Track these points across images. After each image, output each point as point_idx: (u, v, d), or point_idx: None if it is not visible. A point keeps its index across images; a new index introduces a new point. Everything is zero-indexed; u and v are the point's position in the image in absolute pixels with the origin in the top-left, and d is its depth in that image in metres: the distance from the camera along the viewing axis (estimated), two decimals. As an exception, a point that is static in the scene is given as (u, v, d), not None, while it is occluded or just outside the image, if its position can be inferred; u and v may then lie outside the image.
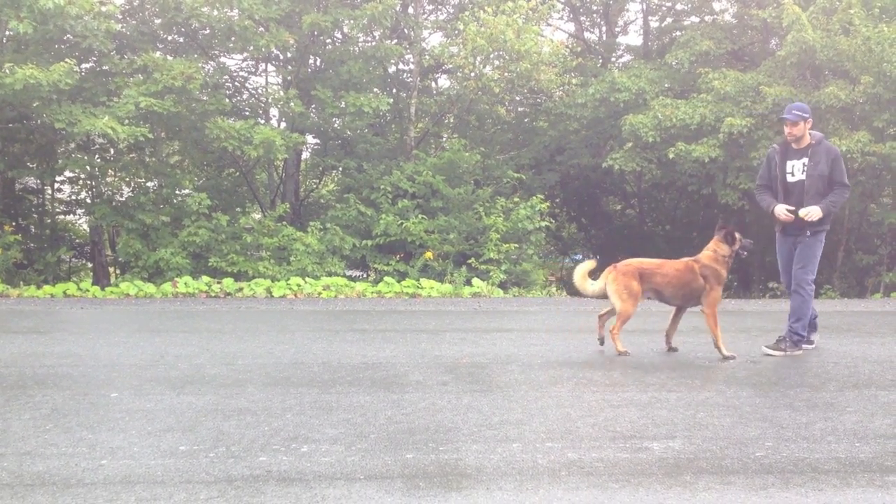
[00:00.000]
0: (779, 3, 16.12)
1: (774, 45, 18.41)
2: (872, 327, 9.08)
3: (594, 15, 23.50)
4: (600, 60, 21.90)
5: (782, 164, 7.33)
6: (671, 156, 16.09)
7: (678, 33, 20.36)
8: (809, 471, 3.81)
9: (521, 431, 4.39)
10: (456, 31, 16.91)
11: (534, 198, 16.36)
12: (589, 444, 4.17)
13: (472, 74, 16.67)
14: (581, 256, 25.70)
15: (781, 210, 7.24)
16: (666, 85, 18.19)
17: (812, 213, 7.05)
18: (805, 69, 16.15)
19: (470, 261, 15.27)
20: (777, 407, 5.04)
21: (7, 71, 12.44)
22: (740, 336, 8.25)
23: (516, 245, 15.70)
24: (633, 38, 28.26)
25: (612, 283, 6.87)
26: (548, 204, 17.04)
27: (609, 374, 6.11)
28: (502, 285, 14.93)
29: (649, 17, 22.54)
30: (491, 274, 14.81)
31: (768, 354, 7.11)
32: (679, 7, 21.31)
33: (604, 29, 23.70)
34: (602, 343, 7.16)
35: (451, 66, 17.40)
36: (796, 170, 7.24)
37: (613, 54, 22.80)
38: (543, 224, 16.29)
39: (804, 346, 7.32)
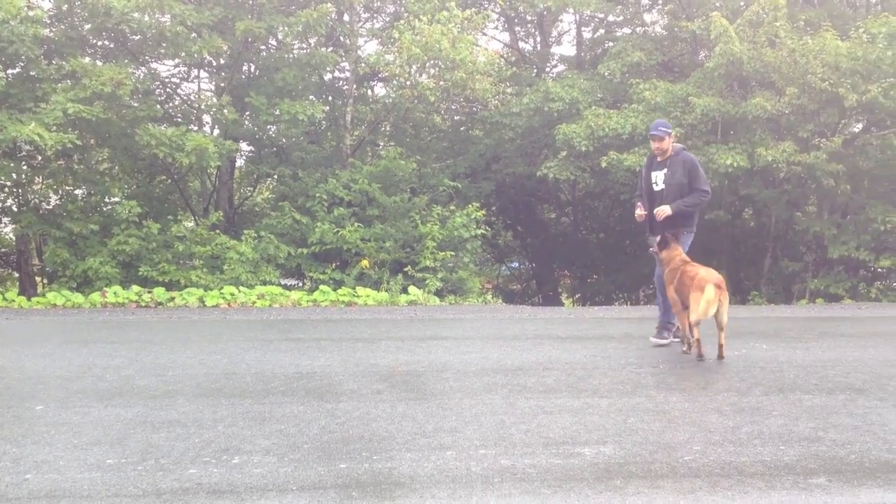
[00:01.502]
0: (707, 16, 16.48)
1: (703, 56, 18.79)
2: (798, 332, 9.33)
3: (528, 25, 23.71)
4: (535, 70, 22.11)
5: (647, 175, 8.18)
6: (604, 164, 16.30)
7: (610, 44, 20.63)
8: (736, 474, 3.91)
9: (455, 439, 4.41)
10: (391, 40, 16.90)
11: (469, 206, 16.43)
12: (522, 450, 4.21)
13: (408, 83, 16.68)
14: (517, 264, 25.93)
15: (637, 211, 8.17)
16: (598, 95, 18.42)
17: (663, 210, 7.77)
18: (732, 80, 16.54)
19: (406, 269, 15.27)
20: (705, 411, 5.15)
21: (-72, 75, 12.08)
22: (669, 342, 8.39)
23: (452, 253, 15.74)
24: (567, 48, 28.70)
25: (725, 301, 7.04)
26: (484, 212, 17.14)
27: (542, 380, 6.17)
28: (438, 293, 14.95)
29: (582, 28, 22.84)
30: (427, 282, 14.82)
31: (658, 346, 7.89)
32: (611, 19, 21.58)
33: (538, 39, 23.93)
34: (702, 359, 7.13)
35: (386, 74, 17.38)
36: (659, 180, 8.03)
37: (548, 64, 23.03)
38: (479, 232, 16.37)
39: (661, 342, 8.00)
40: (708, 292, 6.82)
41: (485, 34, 21.61)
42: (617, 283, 22.06)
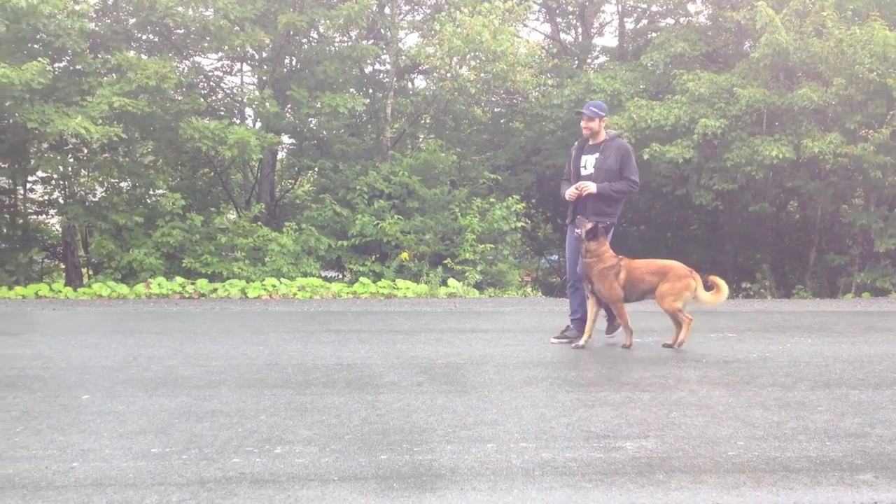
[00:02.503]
0: (752, 6, 16.24)
1: (748, 46, 18.55)
2: (843, 327, 9.18)
3: (570, 16, 23.56)
4: (576, 62, 21.96)
5: (577, 158, 7.78)
6: (646, 157, 16.16)
7: (653, 35, 20.45)
8: (781, 469, 3.84)
9: (495, 432, 4.40)
10: (432, 32, 16.90)
11: (509, 198, 16.39)
12: (563, 443, 4.19)
13: (449, 75, 16.67)
14: (557, 257, 25.80)
15: (568, 190, 7.63)
16: (641, 86, 18.27)
17: (587, 186, 7.44)
18: (778, 71, 16.29)
19: (446, 261, 15.28)
20: (749, 406, 5.08)
21: (-22, 70, 12.31)
22: (712, 336, 8.30)
23: (492, 245, 15.72)
24: (609, 39, 28.44)
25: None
26: (523, 204, 17.08)
27: (583, 373, 6.14)
28: (478, 286, 14.95)
29: (625, 19, 22.65)
30: (466, 274, 14.82)
31: (554, 343, 7.67)
32: (654, 9, 21.40)
33: (580, 30, 23.77)
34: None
35: (427, 66, 17.39)
36: (588, 164, 7.66)
37: (589, 56, 22.88)
38: (519, 224, 16.32)
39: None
40: (692, 283, 7.15)
41: (526, 25, 21.58)
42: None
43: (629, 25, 22.70)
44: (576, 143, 7.90)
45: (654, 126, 16.08)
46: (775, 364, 6.62)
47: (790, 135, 15.81)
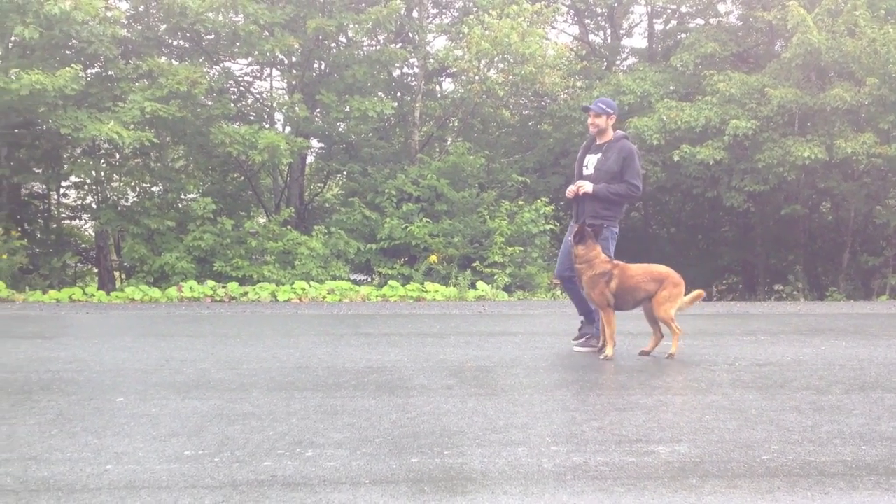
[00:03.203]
0: (784, 5, 16.09)
1: (779, 47, 18.38)
2: (878, 329, 9.05)
3: (599, 18, 23.46)
4: (605, 63, 21.88)
5: (582, 157, 7.53)
6: (676, 158, 16.08)
7: (683, 36, 20.34)
8: (816, 474, 3.80)
9: (526, 435, 4.38)
10: (460, 35, 16.93)
11: (538, 201, 16.36)
12: (594, 447, 4.16)
13: (477, 78, 16.67)
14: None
15: (568, 188, 7.47)
16: (671, 87, 18.18)
17: (583, 185, 7.23)
18: (810, 71, 16.13)
19: (474, 264, 15.26)
20: (783, 410, 5.02)
21: (13, 77, 12.48)
22: (744, 339, 8.22)
23: (521, 248, 15.69)
24: (638, 40, 28.19)
25: None
26: (552, 207, 17.04)
27: (614, 377, 6.10)
28: (507, 289, 14.91)
29: (654, 20, 22.51)
30: (495, 277, 14.79)
31: (576, 351, 7.40)
32: (684, 9, 21.27)
33: (608, 32, 23.66)
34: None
35: (455, 69, 17.40)
36: (591, 164, 7.38)
37: (618, 57, 22.78)
38: (548, 227, 16.28)
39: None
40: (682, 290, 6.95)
41: (554, 27, 21.53)
42: (688, 279, 21.58)
43: (658, 26, 22.58)
44: (584, 143, 7.71)
45: (684, 127, 15.99)
46: (809, 367, 6.54)
47: (822, 135, 15.64)
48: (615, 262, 7.02)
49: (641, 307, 7.03)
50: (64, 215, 18.22)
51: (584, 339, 7.49)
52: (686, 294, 6.99)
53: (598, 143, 7.42)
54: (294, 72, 17.21)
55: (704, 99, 16.62)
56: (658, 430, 4.53)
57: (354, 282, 15.15)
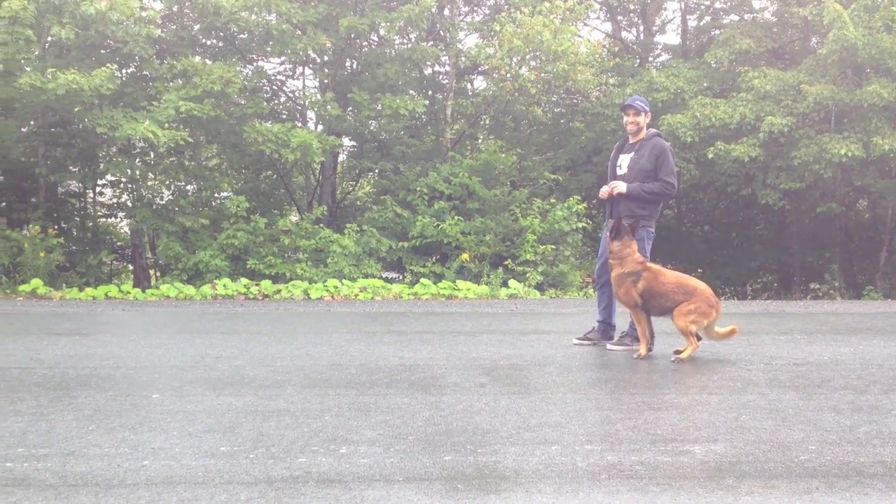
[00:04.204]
0: (819, 1, 15.89)
1: (815, 43, 18.16)
2: (918, 329, 8.91)
3: (631, 14, 23.33)
4: (638, 60, 21.75)
5: (615, 157, 7.46)
6: (710, 156, 15.94)
7: (717, 32, 20.17)
8: (854, 475, 3.74)
9: (559, 434, 4.36)
10: (492, 33, 16.91)
11: (570, 199, 16.30)
12: (629, 446, 4.13)
13: (509, 75, 16.65)
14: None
15: (601, 189, 7.42)
16: (705, 84, 18.03)
17: (617, 186, 7.17)
18: (846, 67, 15.91)
19: (506, 262, 15.24)
20: (821, 410, 4.96)
21: (50, 76, 12.64)
22: (781, 338, 8.13)
23: (553, 246, 15.64)
24: (671, 37, 28.09)
25: None
26: (585, 205, 16.96)
27: (649, 376, 6.05)
28: (539, 287, 14.88)
29: (687, 16, 22.35)
30: (527, 276, 14.76)
31: (611, 350, 7.27)
32: (718, 5, 21.10)
33: (641, 28, 23.53)
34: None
35: (487, 67, 17.39)
36: (624, 164, 7.29)
37: (651, 54, 22.64)
38: (580, 225, 16.21)
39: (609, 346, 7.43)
40: (714, 313, 6.65)
41: (586, 24, 21.42)
42: (723, 278, 21.52)
43: (692, 23, 22.40)
44: (617, 143, 7.65)
45: (718, 124, 15.85)
46: (847, 367, 6.45)
47: (859, 132, 15.43)
48: (649, 264, 6.91)
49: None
50: (100, 213, 18.46)
51: (618, 338, 7.46)
52: (710, 315, 6.65)
53: (631, 142, 7.36)
54: (326, 70, 17.29)
55: (739, 96, 16.46)
56: (693, 429, 4.49)
57: (386, 280, 15.19)
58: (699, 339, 6.70)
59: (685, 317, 6.59)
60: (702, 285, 6.80)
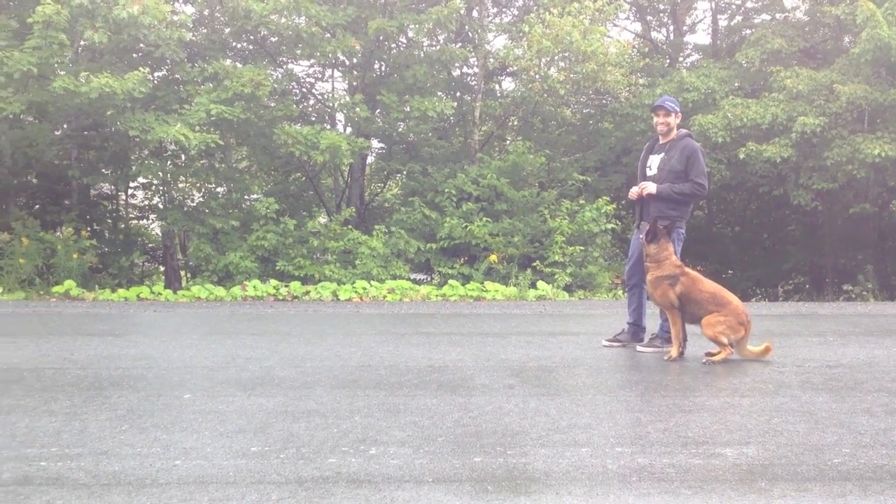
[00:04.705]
0: (852, 0, 15.70)
1: (848, 42, 17.92)
2: (954, 331, 8.77)
3: (661, 14, 23.18)
4: (667, 60, 21.60)
5: (645, 158, 7.42)
6: (741, 156, 15.80)
7: (748, 31, 20.00)
8: (889, 478, 3.70)
9: (589, 436, 4.35)
10: (521, 34, 16.88)
11: (599, 200, 16.22)
12: (660, 449, 4.11)
13: (537, 76, 16.61)
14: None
15: (631, 190, 7.40)
16: (736, 84, 17.87)
17: (647, 187, 7.14)
18: (880, 67, 15.69)
19: (535, 264, 15.19)
20: (854, 412, 4.90)
21: (83, 80, 12.80)
22: (814, 340, 8.04)
23: (582, 248, 15.56)
24: (702, 37, 27.82)
25: None
26: (614, 206, 16.86)
27: (680, 378, 6.02)
28: (567, 288, 14.81)
29: (718, 16, 22.17)
30: (556, 277, 14.70)
31: (641, 352, 7.23)
32: (749, 5, 20.93)
33: (671, 28, 23.36)
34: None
35: (515, 68, 17.36)
36: (654, 164, 7.25)
37: (681, 54, 22.47)
38: (609, 226, 16.12)
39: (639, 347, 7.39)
40: (742, 330, 6.59)
41: (616, 25, 21.32)
42: (754, 279, 21.32)
43: (723, 22, 22.21)
44: (647, 143, 7.63)
45: (749, 125, 15.70)
46: (881, 369, 6.37)
47: (893, 132, 15.23)
48: (687, 269, 6.89)
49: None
50: (132, 216, 18.67)
51: (648, 340, 7.42)
52: (738, 332, 6.60)
53: (661, 142, 7.32)
54: (355, 72, 17.34)
55: (771, 96, 16.30)
56: (725, 432, 4.46)
57: (414, 281, 15.18)
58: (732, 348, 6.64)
59: (713, 327, 6.56)
60: (736, 300, 6.75)
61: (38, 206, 16.73)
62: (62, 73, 13.20)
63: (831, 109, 15.48)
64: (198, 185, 16.62)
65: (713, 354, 6.61)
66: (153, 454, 4.00)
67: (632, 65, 18.57)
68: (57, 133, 15.42)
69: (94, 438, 4.28)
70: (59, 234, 15.12)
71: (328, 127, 16.57)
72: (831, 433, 4.44)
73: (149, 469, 3.78)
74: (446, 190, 15.95)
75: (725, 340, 6.55)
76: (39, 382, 5.73)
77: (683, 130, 7.38)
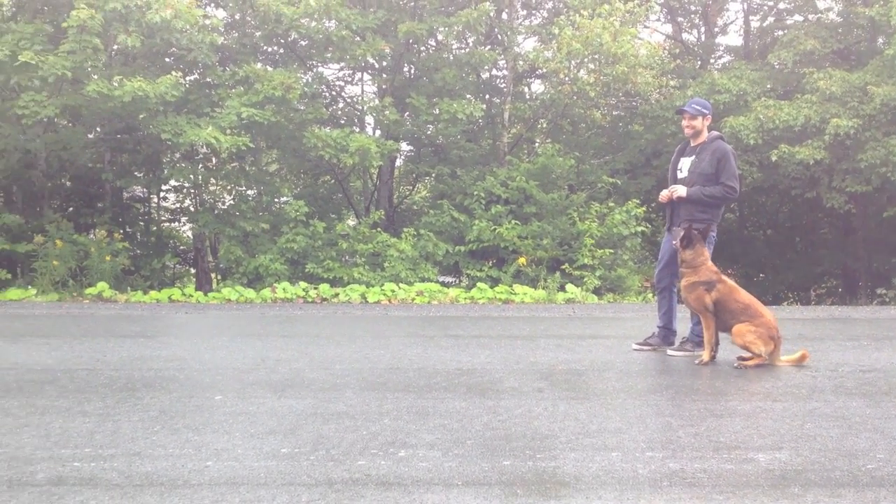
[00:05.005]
0: (886, 1, 15.50)
1: (882, 43, 17.71)
2: None
3: (692, 16, 23.04)
4: (699, 62, 21.47)
5: (676, 161, 7.36)
6: (774, 158, 15.66)
7: (780, 33, 19.82)
8: (926, 486, 3.64)
9: (619, 440, 4.32)
10: (550, 36, 16.84)
11: (629, 202, 16.13)
12: (691, 454, 4.07)
13: (567, 79, 16.56)
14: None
15: (661, 193, 7.37)
16: (768, 86, 17.71)
17: (677, 190, 7.11)
18: (915, 68, 15.51)
19: (564, 266, 15.14)
20: (888, 418, 4.83)
21: (116, 84, 12.96)
22: (847, 344, 7.94)
23: (611, 250, 15.49)
24: (733, 38, 27.66)
25: None
26: (644, 209, 16.77)
27: (711, 382, 5.96)
28: (597, 291, 14.75)
29: (750, 17, 21.99)
30: (585, 280, 14.64)
31: (672, 355, 7.15)
32: (781, 6, 20.74)
33: (702, 30, 23.20)
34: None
35: (545, 70, 17.32)
36: (685, 167, 7.18)
37: (712, 55, 22.33)
38: (639, 229, 16.03)
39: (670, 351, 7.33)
40: (771, 343, 6.48)
41: (647, 27, 21.19)
42: (786, 283, 21.12)
43: (755, 24, 22.04)
44: (679, 146, 7.57)
45: (782, 127, 15.56)
46: (917, 375, 6.27)
47: (928, 134, 15.03)
48: (724, 277, 6.83)
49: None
50: (163, 218, 18.86)
51: (679, 344, 7.37)
52: (769, 345, 6.50)
53: (692, 145, 7.27)
54: (384, 76, 17.40)
55: (803, 97, 16.14)
56: (757, 436, 4.41)
57: (443, 284, 15.19)
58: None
59: (743, 336, 6.50)
60: (769, 314, 6.68)
61: (71, 209, 16.96)
62: (96, 77, 13.37)
63: (865, 111, 15.30)
64: (228, 188, 16.76)
65: (745, 359, 6.54)
66: (185, 455, 4.03)
67: (662, 66, 18.46)
68: (90, 136, 15.63)
69: (126, 439, 4.32)
70: (92, 236, 15.31)
71: (357, 130, 16.65)
72: (865, 438, 4.38)
73: (181, 470, 3.81)
74: (475, 192, 15.95)
75: (756, 351, 6.49)
76: (73, 383, 5.80)
77: (715, 133, 7.32)
